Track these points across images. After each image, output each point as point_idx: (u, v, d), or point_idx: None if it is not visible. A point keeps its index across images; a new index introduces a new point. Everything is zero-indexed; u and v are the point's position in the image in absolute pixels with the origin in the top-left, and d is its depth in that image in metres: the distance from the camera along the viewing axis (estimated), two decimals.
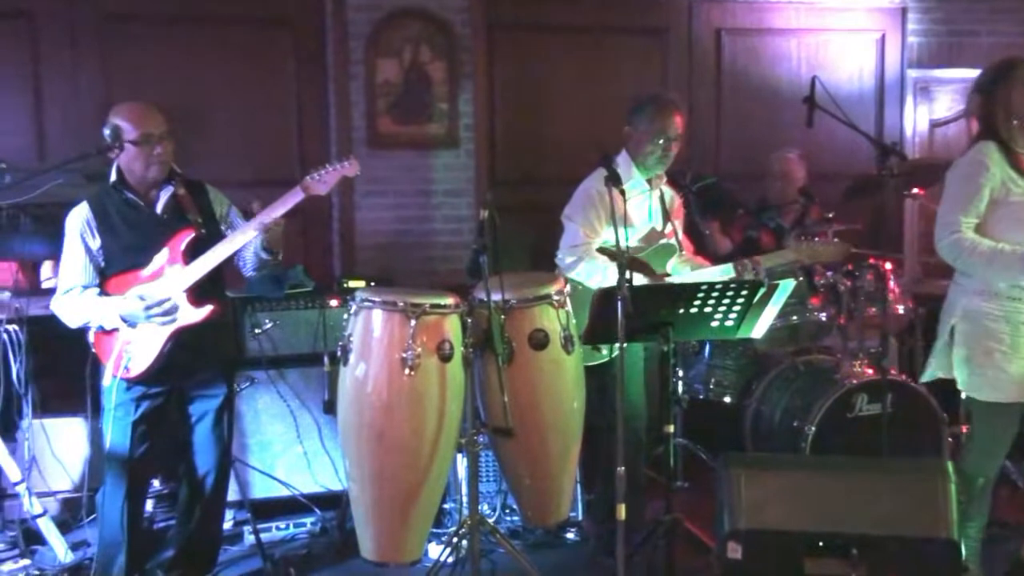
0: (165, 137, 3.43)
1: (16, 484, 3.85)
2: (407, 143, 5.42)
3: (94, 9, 5.12)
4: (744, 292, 3.43)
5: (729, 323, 3.53)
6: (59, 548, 3.87)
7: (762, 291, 3.44)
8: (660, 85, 5.84)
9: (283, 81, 5.41)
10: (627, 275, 3.24)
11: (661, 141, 3.92)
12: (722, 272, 3.94)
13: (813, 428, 4.25)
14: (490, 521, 3.79)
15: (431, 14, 5.37)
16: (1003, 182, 3.42)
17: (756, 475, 3.34)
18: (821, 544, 3.26)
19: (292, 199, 3.48)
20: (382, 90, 5.35)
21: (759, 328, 3.57)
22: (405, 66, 5.37)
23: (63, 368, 3.85)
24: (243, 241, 3.47)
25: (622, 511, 3.23)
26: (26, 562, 3.84)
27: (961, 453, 3.88)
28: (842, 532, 3.24)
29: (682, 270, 4.03)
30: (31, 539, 3.95)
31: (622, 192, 3.54)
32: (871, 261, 4.52)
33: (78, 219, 3.41)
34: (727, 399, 4.81)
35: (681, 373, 4.60)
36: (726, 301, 3.44)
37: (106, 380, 3.44)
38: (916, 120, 6.40)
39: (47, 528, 3.88)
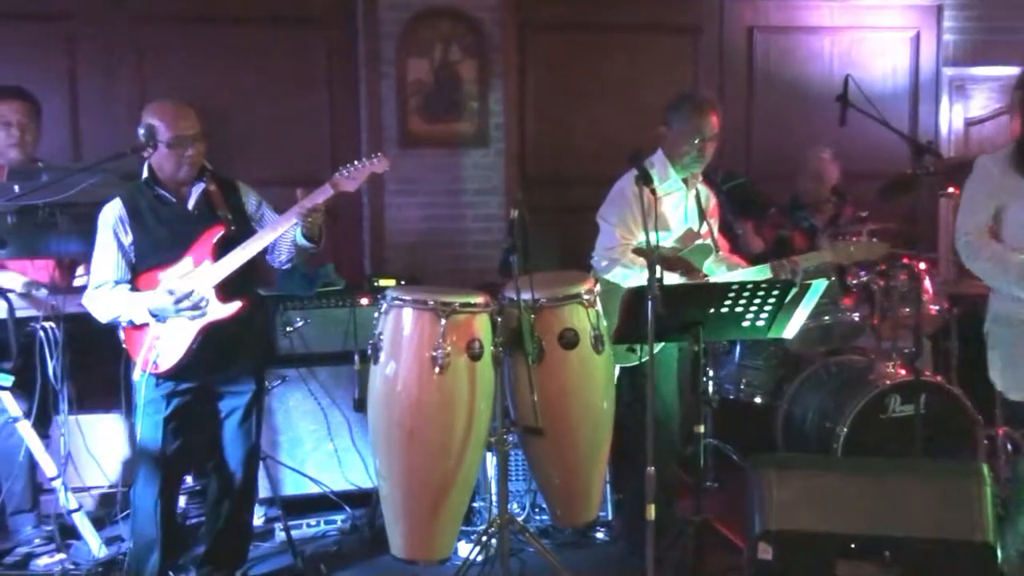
0: (198, 138, 3.46)
1: (52, 479, 3.90)
2: (437, 142, 5.43)
3: (129, 11, 5.18)
4: (775, 292, 3.41)
5: (760, 323, 3.51)
6: (93, 543, 3.92)
7: (794, 291, 3.42)
8: (691, 84, 5.82)
9: (315, 81, 5.44)
10: (657, 275, 3.23)
11: (697, 141, 3.89)
12: (758, 272, 3.92)
13: (845, 429, 4.22)
14: (519, 520, 3.79)
15: (462, 13, 5.38)
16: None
17: (787, 476, 3.32)
18: (853, 546, 3.23)
19: (321, 195, 3.50)
20: (413, 89, 5.37)
21: (791, 328, 3.55)
22: (435, 65, 5.39)
23: (98, 365, 3.90)
24: (273, 237, 3.49)
25: (652, 511, 3.22)
26: (61, 556, 3.89)
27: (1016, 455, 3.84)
28: (875, 534, 3.21)
29: (718, 270, 4.00)
30: (67, 534, 3.99)
31: (653, 191, 3.52)
32: (905, 261, 4.48)
33: (111, 215, 3.45)
34: (758, 399, 4.79)
35: (711, 373, 4.58)
36: (757, 301, 3.42)
37: (136, 374, 3.48)
38: (951, 118, 6.33)
39: (82, 523, 3.93)
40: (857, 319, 4.64)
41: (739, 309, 3.44)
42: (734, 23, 6.03)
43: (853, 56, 6.12)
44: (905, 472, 3.40)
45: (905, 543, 3.19)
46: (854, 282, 4.57)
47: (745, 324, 3.51)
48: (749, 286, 3.40)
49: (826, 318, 4.58)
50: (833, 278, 4.46)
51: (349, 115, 5.48)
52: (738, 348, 4.83)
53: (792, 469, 3.39)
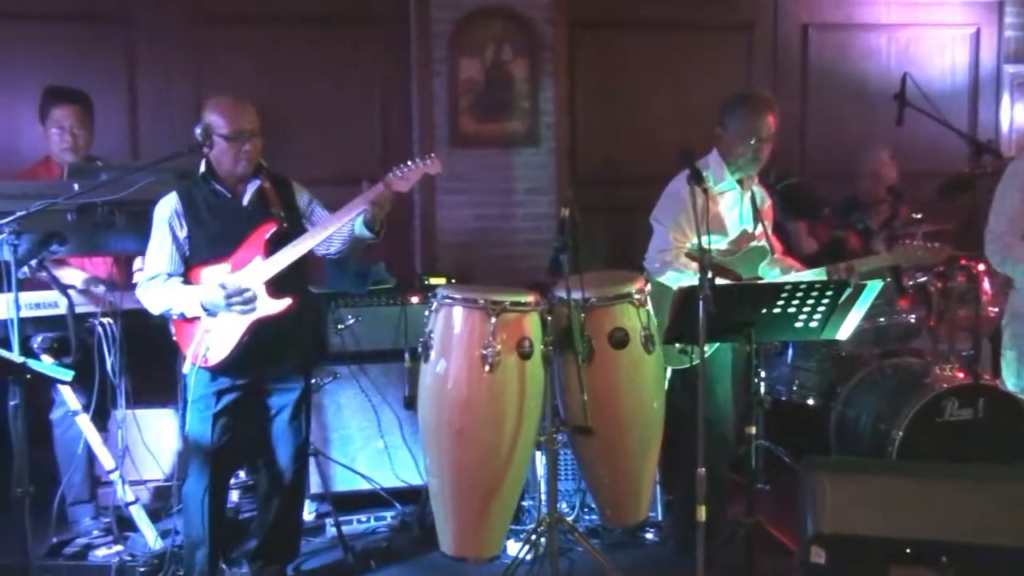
0: (256, 134, 3.50)
1: (110, 472, 3.97)
2: (488, 141, 5.45)
3: (186, 11, 5.26)
4: (829, 293, 3.37)
5: (813, 324, 3.46)
6: (149, 535, 3.98)
7: (848, 292, 3.38)
8: (744, 82, 5.78)
9: (367, 80, 5.48)
10: (709, 274, 3.20)
11: (753, 141, 3.83)
12: (814, 276, 3.86)
13: (901, 433, 4.15)
14: (569, 520, 3.78)
15: (513, 12, 5.39)
16: None
17: (841, 479, 3.27)
18: (909, 551, 3.18)
19: (374, 194, 3.52)
20: (464, 88, 5.39)
21: (845, 330, 3.50)
22: (487, 64, 5.40)
23: (154, 361, 3.96)
24: (326, 234, 3.52)
25: (702, 512, 3.20)
26: (119, 548, 3.94)
27: None
28: (932, 539, 3.15)
29: (772, 273, 3.96)
30: (124, 526, 4.05)
31: (704, 191, 3.50)
32: (963, 262, 4.39)
33: (167, 208, 3.50)
34: (810, 401, 4.73)
35: (763, 374, 4.53)
36: (810, 302, 3.38)
37: (185, 367, 3.53)
38: (1012, 116, 6.20)
39: (139, 515, 3.99)
40: (913, 321, 4.57)
41: (792, 310, 3.40)
42: (788, 20, 5.97)
43: (911, 53, 6.03)
44: (963, 476, 3.34)
45: (962, 549, 3.12)
46: (910, 283, 4.50)
47: (798, 325, 3.47)
48: (802, 286, 3.36)
49: (881, 319, 4.52)
50: (889, 279, 4.39)
51: (401, 114, 5.51)
52: (791, 349, 4.78)
53: (846, 472, 3.35)
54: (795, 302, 3.37)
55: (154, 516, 4.11)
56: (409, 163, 3.61)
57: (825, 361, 4.74)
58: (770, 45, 5.96)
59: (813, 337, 3.55)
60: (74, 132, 4.17)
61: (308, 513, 4.25)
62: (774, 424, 4.66)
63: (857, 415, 4.50)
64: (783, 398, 4.76)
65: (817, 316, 3.43)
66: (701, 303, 3.15)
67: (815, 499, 3.24)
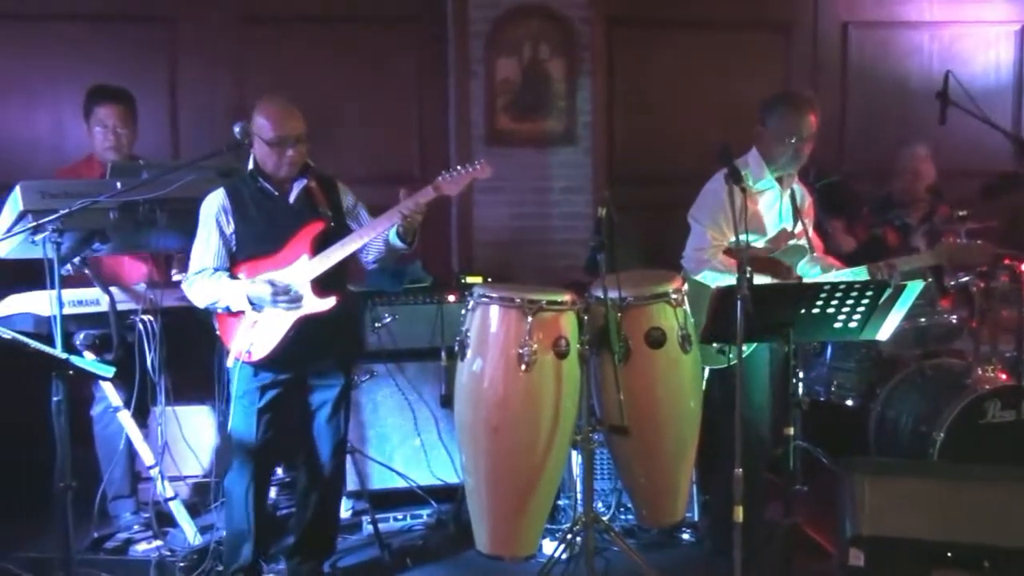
0: (301, 139, 3.51)
1: (150, 468, 4.01)
2: (525, 140, 5.45)
3: (227, 12, 5.31)
4: (869, 293, 3.33)
5: (853, 324, 3.43)
6: (189, 531, 4.02)
7: (888, 292, 3.34)
8: (783, 81, 5.73)
9: (405, 80, 5.50)
10: (747, 273, 3.18)
11: (793, 140, 3.80)
12: (854, 275, 3.83)
13: (942, 434, 4.10)
14: (604, 519, 3.78)
15: (551, 11, 5.38)
16: None
17: (881, 480, 3.24)
18: (950, 555, 3.14)
19: (423, 197, 3.52)
20: (501, 88, 5.39)
21: (885, 330, 3.46)
22: (524, 63, 5.40)
23: (194, 358, 3.99)
24: (372, 236, 3.53)
25: (740, 513, 3.18)
26: (158, 543, 4.00)
27: None
28: (974, 543, 3.11)
29: (812, 271, 3.92)
30: (163, 521, 4.10)
31: (743, 189, 3.47)
32: (1006, 262, 4.33)
33: (215, 204, 3.52)
34: (849, 402, 4.69)
35: (801, 374, 4.49)
36: (850, 302, 3.35)
37: (229, 361, 3.56)
38: None
39: (178, 511, 4.03)
40: (955, 321, 4.51)
41: (831, 310, 3.37)
42: (828, 19, 5.92)
43: (954, 51, 5.95)
44: (1005, 479, 3.30)
45: (1005, 553, 3.09)
46: (952, 283, 4.44)
47: (837, 325, 3.43)
48: (841, 286, 3.33)
49: (922, 320, 4.47)
50: (930, 279, 4.34)
51: (438, 114, 5.53)
52: (829, 349, 4.74)
53: (886, 474, 3.32)
54: (834, 302, 3.34)
55: (193, 512, 4.15)
56: (458, 167, 3.61)
57: (864, 362, 4.69)
58: (810, 43, 5.91)
59: (852, 337, 3.52)
60: (117, 131, 4.22)
61: (345, 510, 4.27)
62: (812, 425, 4.60)
63: (897, 416, 4.45)
64: (821, 399, 4.72)
65: (857, 316, 3.39)
66: (739, 303, 3.13)
67: (854, 501, 3.22)
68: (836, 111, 5.89)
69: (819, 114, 3.86)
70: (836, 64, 5.94)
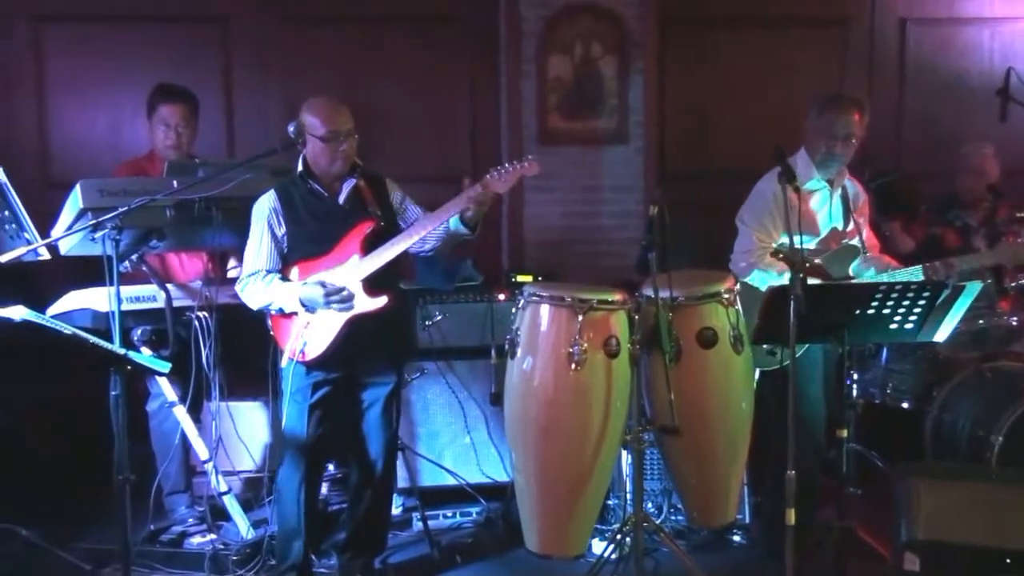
0: (351, 134, 3.55)
1: (204, 462, 4.07)
2: (576, 139, 5.44)
3: (281, 13, 5.37)
4: (926, 294, 3.28)
5: (909, 326, 3.37)
6: (242, 525, 4.07)
7: (946, 293, 3.28)
8: (839, 78, 5.66)
9: (456, 79, 5.52)
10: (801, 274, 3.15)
11: (830, 138, 3.77)
12: (910, 275, 3.76)
13: (1000, 438, 4.02)
14: (654, 520, 3.76)
15: (603, 9, 5.37)
16: None
17: (937, 485, 3.19)
18: (1008, 561, 3.08)
19: (473, 193, 3.53)
20: (553, 86, 5.39)
21: (942, 332, 3.41)
22: (576, 61, 5.39)
23: (247, 354, 4.04)
24: (422, 234, 3.55)
25: (792, 515, 3.14)
26: (212, 536, 4.05)
27: None
28: None
29: (866, 271, 3.87)
30: (217, 515, 4.16)
31: (796, 190, 3.43)
32: None
33: (266, 206, 3.56)
34: (905, 404, 4.61)
35: (856, 376, 4.43)
36: (906, 303, 3.29)
37: (283, 362, 3.60)
38: None
39: (232, 505, 4.09)
40: (1015, 323, 4.42)
41: (886, 311, 3.32)
42: (886, 15, 5.83)
43: (1016, 48, 5.82)
44: None
45: None
46: (1012, 284, 4.35)
47: (893, 327, 3.38)
48: (898, 287, 3.28)
49: (980, 322, 4.38)
50: (989, 280, 4.25)
51: (489, 113, 5.54)
52: (885, 351, 4.67)
53: (942, 478, 3.26)
54: (890, 303, 3.29)
55: (246, 506, 4.21)
56: (507, 164, 3.61)
57: (921, 364, 4.61)
58: (866, 40, 5.83)
59: (909, 339, 3.46)
60: (179, 130, 4.27)
61: (395, 507, 4.29)
62: (866, 427, 4.56)
63: (954, 420, 4.37)
64: (876, 401, 4.65)
65: (913, 318, 3.34)
66: (792, 303, 3.09)
67: (910, 505, 3.17)
68: (893, 109, 5.81)
69: (866, 113, 3.80)
70: (893, 61, 5.86)
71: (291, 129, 3.54)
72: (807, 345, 3.67)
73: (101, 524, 4.08)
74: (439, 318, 4.45)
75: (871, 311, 3.31)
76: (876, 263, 3.88)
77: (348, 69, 5.35)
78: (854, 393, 4.34)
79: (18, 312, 2.95)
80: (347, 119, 3.54)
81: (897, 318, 3.34)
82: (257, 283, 3.54)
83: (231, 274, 4.28)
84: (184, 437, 4.08)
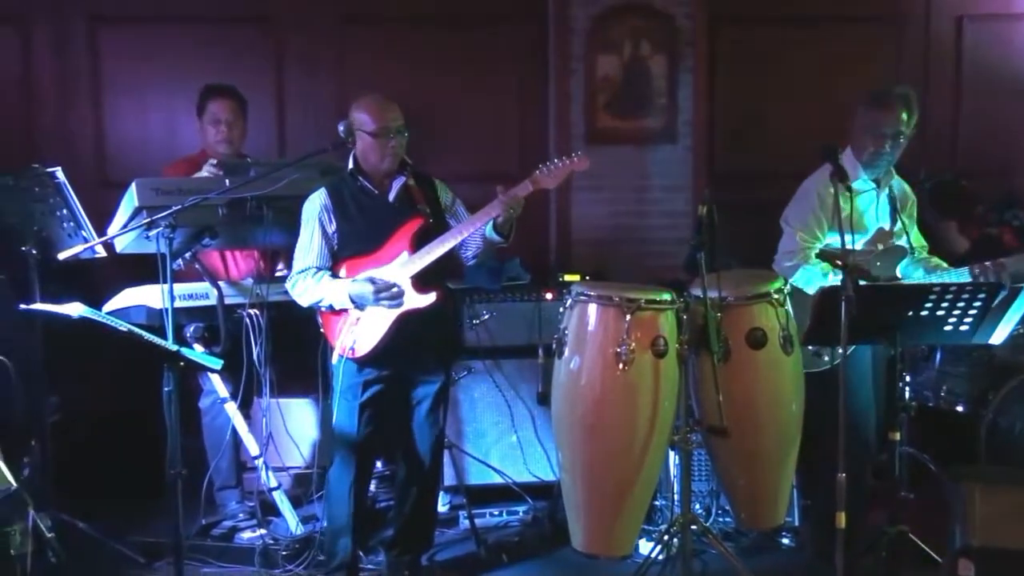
0: (402, 130, 3.57)
1: (255, 458, 4.12)
2: (625, 138, 5.42)
3: (330, 12, 5.41)
4: (981, 295, 3.22)
5: (964, 328, 3.32)
6: (291, 520, 4.12)
7: (1002, 295, 3.22)
8: (893, 76, 5.57)
9: (504, 78, 5.52)
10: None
11: (874, 136, 3.71)
12: (958, 276, 3.70)
13: None
14: (702, 521, 3.73)
15: (653, 8, 5.34)
16: None
17: (993, 490, 3.13)
18: None
19: (521, 191, 3.54)
20: (601, 85, 5.37)
21: (998, 335, 3.35)
22: (625, 60, 5.37)
23: (297, 351, 4.08)
24: (471, 230, 3.56)
25: (842, 519, 3.11)
26: (262, 531, 4.10)
27: None
28: None
29: (915, 272, 3.81)
30: (267, 510, 4.20)
31: (849, 189, 3.39)
32: None
33: (316, 204, 3.60)
34: (959, 408, 4.53)
35: (909, 378, 4.36)
36: (961, 304, 3.24)
37: (333, 359, 3.63)
38: None
39: (281, 501, 4.13)
40: None
41: (940, 313, 3.27)
42: (942, 12, 5.73)
43: None
44: None
45: None
46: None
47: (947, 329, 3.33)
48: (952, 288, 3.23)
49: None
50: None
51: (537, 112, 5.53)
52: (938, 353, 4.59)
53: (998, 483, 3.21)
54: (945, 304, 3.24)
55: (295, 502, 4.25)
56: (556, 160, 3.61)
57: (976, 366, 4.53)
58: (921, 38, 5.73)
59: (964, 342, 3.41)
60: (229, 125, 4.33)
61: (442, 505, 4.32)
62: (920, 430, 4.48)
63: (1010, 424, 4.29)
64: (929, 404, 4.58)
65: (969, 319, 3.29)
66: (844, 304, 3.06)
67: (964, 510, 3.12)
68: (949, 108, 5.71)
69: (915, 109, 3.74)
70: (950, 59, 5.75)
71: (341, 129, 3.58)
72: (852, 347, 3.62)
73: (155, 518, 4.15)
74: (486, 317, 4.46)
75: (925, 312, 3.26)
76: (925, 264, 3.82)
77: (397, 69, 5.36)
78: (907, 395, 4.28)
79: (76, 309, 3.01)
80: (397, 115, 3.56)
81: (952, 320, 3.29)
82: (307, 280, 3.57)
83: (280, 273, 4.33)
84: (235, 433, 4.13)
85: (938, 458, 4.32)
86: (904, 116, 3.70)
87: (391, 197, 3.63)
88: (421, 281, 3.53)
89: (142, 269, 3.78)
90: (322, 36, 5.42)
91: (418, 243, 3.54)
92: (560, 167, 3.58)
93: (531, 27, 5.50)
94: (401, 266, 3.53)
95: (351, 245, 3.59)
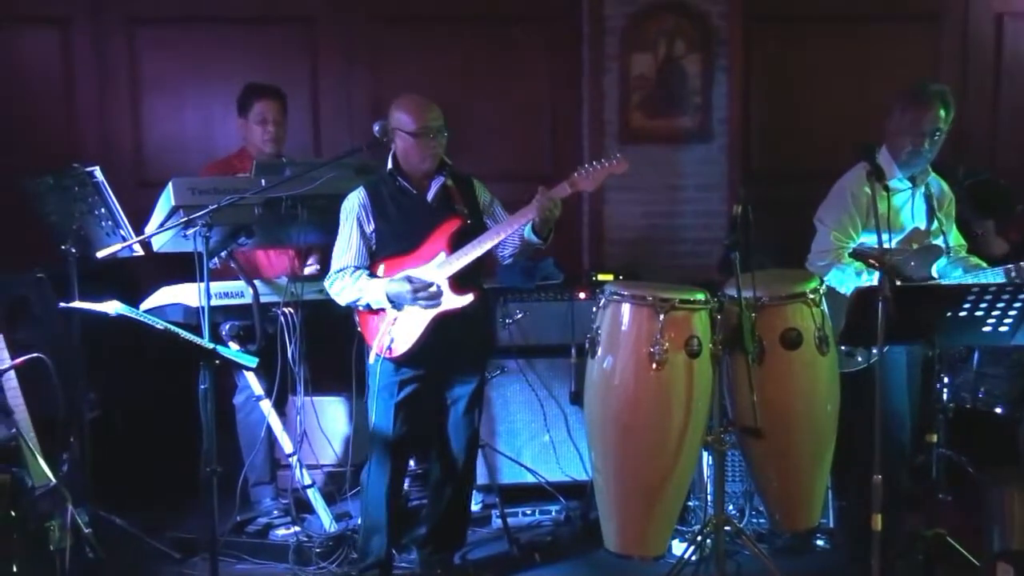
0: (442, 131, 3.58)
1: (289, 456, 4.14)
2: (659, 137, 5.41)
3: (365, 12, 5.43)
4: (1022, 296, 3.18)
5: (1004, 328, 3.28)
6: (325, 518, 4.13)
7: None
8: (930, 75, 5.50)
9: (538, 77, 5.52)
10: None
11: (912, 135, 3.68)
12: (993, 276, 3.65)
13: None
14: (736, 522, 3.71)
15: (688, 7, 5.33)
16: None
17: None
18: None
19: (558, 193, 3.52)
20: (636, 84, 5.36)
21: None
22: (659, 59, 5.36)
23: (331, 350, 4.10)
24: (509, 231, 3.55)
25: (878, 521, 3.08)
26: (296, 528, 4.12)
27: None
28: None
29: (953, 272, 3.76)
30: (301, 508, 4.22)
31: (886, 188, 3.36)
32: None
33: (355, 203, 3.61)
34: (998, 410, 4.48)
35: (946, 380, 4.32)
36: (1000, 305, 3.20)
37: (371, 358, 3.64)
38: None
39: (315, 498, 4.15)
40: None
41: (979, 313, 3.23)
42: (980, 9, 5.66)
43: None
44: None
45: None
46: None
47: (986, 329, 3.29)
48: (992, 289, 3.19)
49: None
50: None
51: (571, 111, 5.53)
52: (976, 354, 4.53)
53: None
54: (984, 304, 3.20)
55: (328, 499, 4.26)
56: (595, 162, 3.60)
57: (1016, 368, 4.47)
58: (960, 36, 5.67)
59: (1003, 343, 3.36)
60: (275, 125, 4.36)
61: (475, 504, 4.32)
62: (957, 432, 4.43)
63: None
64: (967, 405, 4.52)
65: (1009, 320, 3.24)
66: (881, 304, 3.03)
67: (1003, 513, 3.09)
68: (988, 106, 5.65)
69: (952, 106, 3.71)
70: (989, 57, 5.68)
71: (376, 128, 3.59)
72: (886, 347, 3.58)
73: (190, 514, 4.19)
74: (520, 316, 4.46)
75: (963, 313, 3.22)
76: (964, 264, 3.78)
77: (432, 68, 5.38)
78: (944, 397, 4.23)
79: (113, 306, 3.04)
80: (437, 115, 3.57)
81: (991, 320, 3.25)
82: (345, 279, 3.58)
83: (307, 271, 4.36)
84: (270, 430, 4.16)
85: (976, 460, 4.27)
86: (942, 113, 3.67)
87: (429, 197, 3.63)
88: (458, 282, 3.53)
89: (179, 268, 3.81)
90: (357, 35, 5.44)
91: (456, 244, 3.55)
92: (599, 170, 3.56)
93: (566, 25, 5.49)
94: (439, 266, 3.54)
95: (389, 245, 3.60)
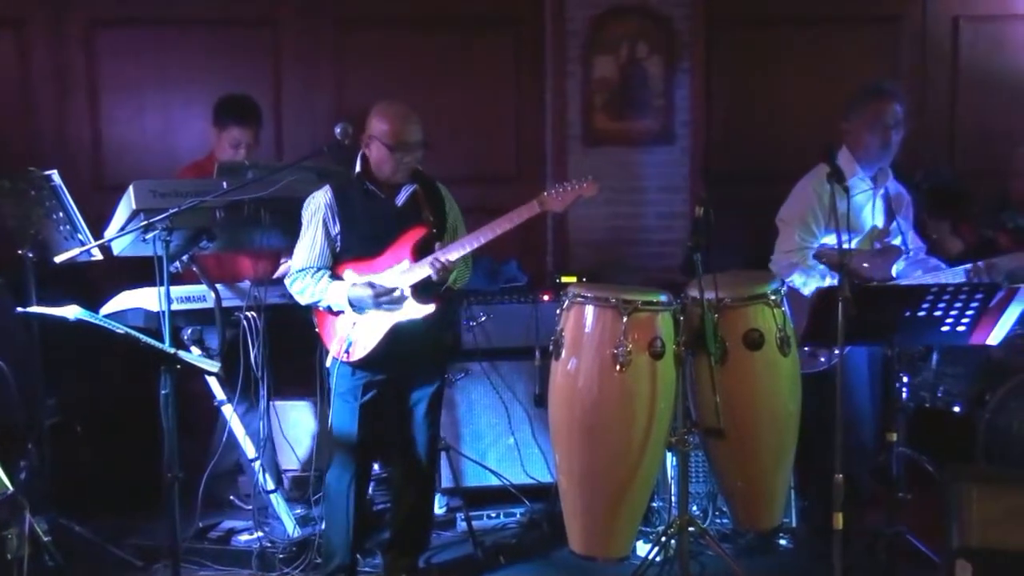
0: (420, 146, 3.55)
1: (252, 461, 4.11)
2: (622, 139, 5.43)
3: (328, 15, 5.40)
4: (979, 296, 3.23)
5: (961, 328, 3.33)
6: (288, 523, 4.11)
7: (1000, 295, 3.22)
8: (890, 77, 5.57)
9: (501, 80, 5.52)
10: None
11: (879, 128, 3.74)
12: (954, 276, 3.71)
13: None
14: (700, 523, 3.73)
15: (650, 9, 5.36)
16: None
17: (990, 490, 3.12)
18: None
19: (527, 212, 3.51)
20: (598, 86, 5.38)
21: (996, 334, 3.35)
22: (621, 62, 5.38)
23: (294, 354, 4.08)
24: (474, 247, 3.51)
25: (839, 520, 3.11)
26: (259, 534, 4.09)
27: None
28: None
29: (912, 273, 3.81)
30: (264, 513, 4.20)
31: (846, 190, 3.40)
32: None
33: (321, 202, 3.56)
34: (956, 408, 4.53)
35: (906, 379, 4.37)
36: (958, 305, 3.25)
37: (328, 361, 3.62)
38: None
39: (278, 503, 4.13)
40: None
41: (938, 313, 3.28)
42: (938, 12, 5.73)
43: None
44: None
45: None
46: None
47: (944, 329, 3.33)
48: (949, 289, 3.23)
49: None
50: None
51: (534, 113, 5.53)
52: (935, 353, 4.59)
53: (995, 483, 3.20)
54: (942, 305, 3.24)
55: (292, 505, 4.23)
56: (566, 183, 3.58)
57: (973, 367, 4.53)
58: (918, 38, 5.74)
59: (961, 342, 3.42)
60: (247, 148, 4.34)
61: (439, 507, 4.32)
62: (917, 431, 4.49)
63: (1007, 424, 4.27)
64: (926, 404, 4.57)
65: (966, 320, 3.29)
66: (840, 304, 3.06)
67: (961, 511, 3.11)
68: (946, 108, 5.72)
69: (904, 104, 3.82)
70: (946, 59, 5.75)
71: (338, 130, 3.55)
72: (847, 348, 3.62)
73: (152, 521, 4.14)
74: (483, 319, 4.46)
75: (922, 313, 3.26)
76: (923, 265, 3.84)
77: (394, 70, 5.36)
78: (904, 396, 4.28)
79: (72, 311, 3.01)
80: (418, 131, 3.53)
81: (949, 320, 3.30)
82: (307, 279, 3.56)
83: (281, 270, 4.32)
84: (231, 434, 4.12)
85: (935, 459, 4.31)
86: (898, 108, 3.76)
87: (399, 202, 3.61)
88: (421, 290, 3.52)
89: (139, 272, 3.78)
90: (320, 38, 5.41)
91: (420, 252, 3.53)
92: (568, 191, 3.55)
93: (529, 28, 5.50)
94: (402, 273, 3.52)
95: (354, 248, 3.57)
